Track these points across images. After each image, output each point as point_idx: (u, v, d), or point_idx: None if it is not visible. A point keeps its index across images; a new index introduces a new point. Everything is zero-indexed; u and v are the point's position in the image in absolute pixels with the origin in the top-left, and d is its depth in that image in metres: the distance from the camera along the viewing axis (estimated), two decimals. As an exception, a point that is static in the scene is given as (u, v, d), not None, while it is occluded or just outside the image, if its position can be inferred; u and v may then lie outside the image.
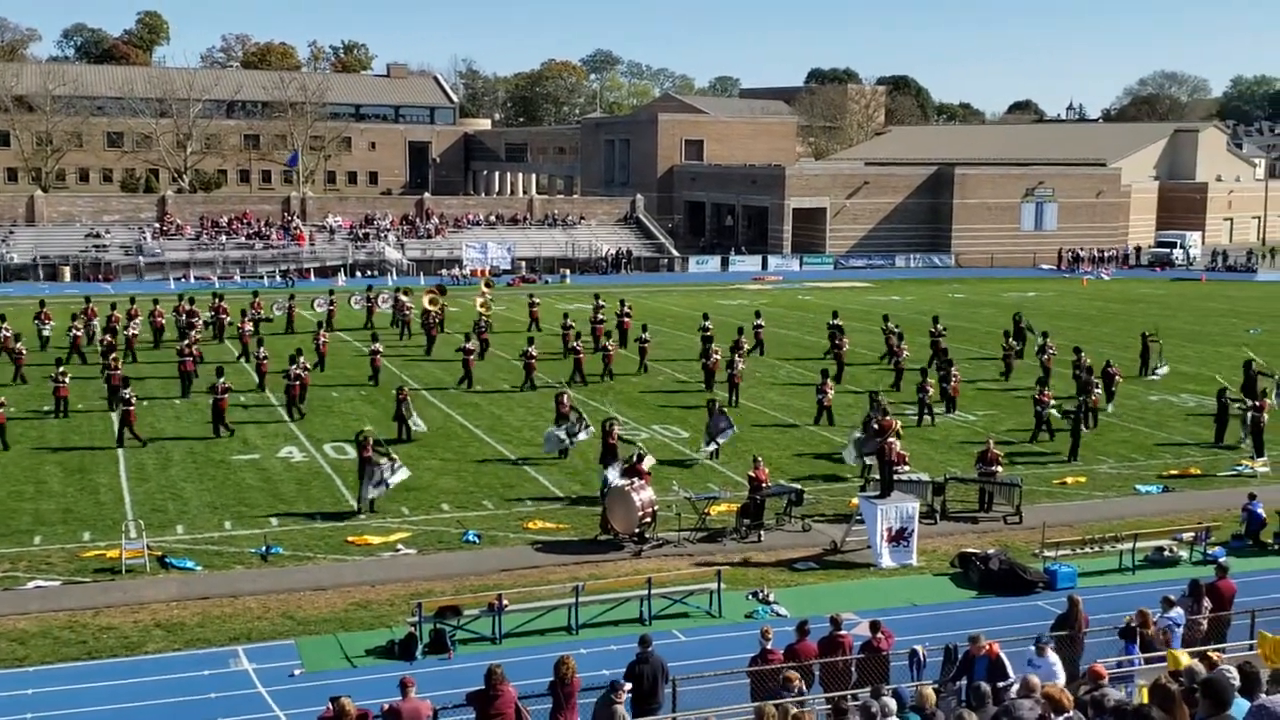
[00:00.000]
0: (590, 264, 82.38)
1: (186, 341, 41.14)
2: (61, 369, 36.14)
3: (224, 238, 78.24)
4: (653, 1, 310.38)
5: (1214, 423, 34.69)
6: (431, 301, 49.89)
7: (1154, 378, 43.09)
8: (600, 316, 48.58)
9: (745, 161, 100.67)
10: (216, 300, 50.36)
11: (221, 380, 33.96)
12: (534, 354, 41.39)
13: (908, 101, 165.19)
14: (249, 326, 46.27)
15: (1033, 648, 15.58)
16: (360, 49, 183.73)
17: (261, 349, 40.08)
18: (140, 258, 74.55)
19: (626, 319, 49.08)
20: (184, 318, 46.66)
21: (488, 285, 59.46)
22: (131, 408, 32.29)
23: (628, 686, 14.37)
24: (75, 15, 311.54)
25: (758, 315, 49.47)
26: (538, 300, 54.64)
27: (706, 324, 45.88)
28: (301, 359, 36.95)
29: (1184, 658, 14.18)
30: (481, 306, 50.03)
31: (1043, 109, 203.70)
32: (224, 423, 33.70)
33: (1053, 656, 15.48)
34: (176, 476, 29.67)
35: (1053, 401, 34.60)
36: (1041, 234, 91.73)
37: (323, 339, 43.18)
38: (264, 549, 24.12)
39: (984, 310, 61.94)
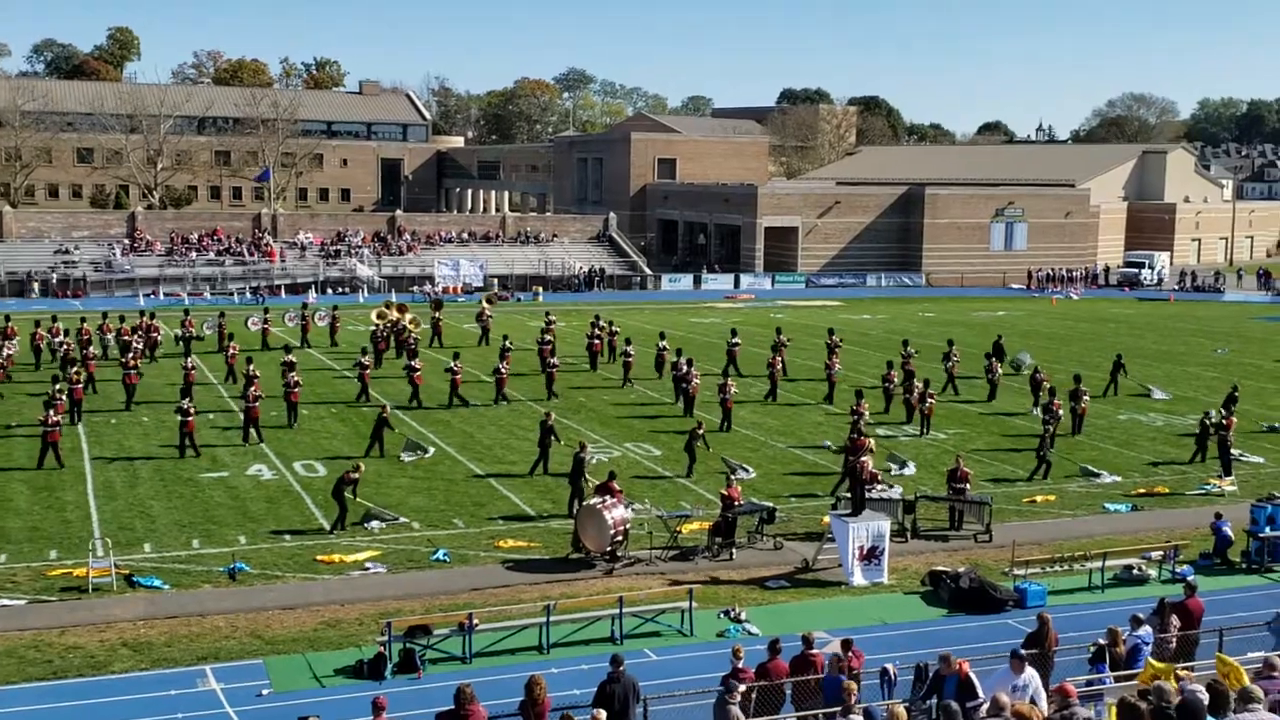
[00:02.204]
0: (563, 282, 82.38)
1: (130, 355, 41.60)
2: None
3: (194, 254, 77.84)
4: (626, 21, 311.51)
5: (1194, 443, 34.86)
6: (380, 316, 49.96)
7: (1154, 394, 43.95)
8: (601, 332, 49.00)
9: (718, 180, 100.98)
10: (147, 318, 49.60)
11: (187, 401, 33.92)
12: (504, 370, 41.47)
13: (879, 122, 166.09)
14: (234, 349, 45.47)
15: (1007, 666, 15.43)
16: (332, 66, 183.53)
17: (251, 366, 39.84)
18: (110, 274, 74.13)
19: (612, 335, 49.22)
20: (136, 333, 46.83)
21: (489, 301, 58.77)
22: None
23: (603, 715, 14.28)
24: (45, 30, 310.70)
25: (733, 334, 49.44)
26: (491, 314, 54.66)
27: (663, 343, 46.28)
28: (294, 375, 37.74)
29: (1159, 666, 14.28)
30: (411, 323, 49.48)
31: (1012, 130, 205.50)
32: (192, 444, 33.43)
33: (1029, 671, 15.38)
34: (144, 494, 29.43)
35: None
36: (1011, 254, 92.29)
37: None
38: (230, 567, 23.95)
39: (955, 330, 62.15)
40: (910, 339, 48.46)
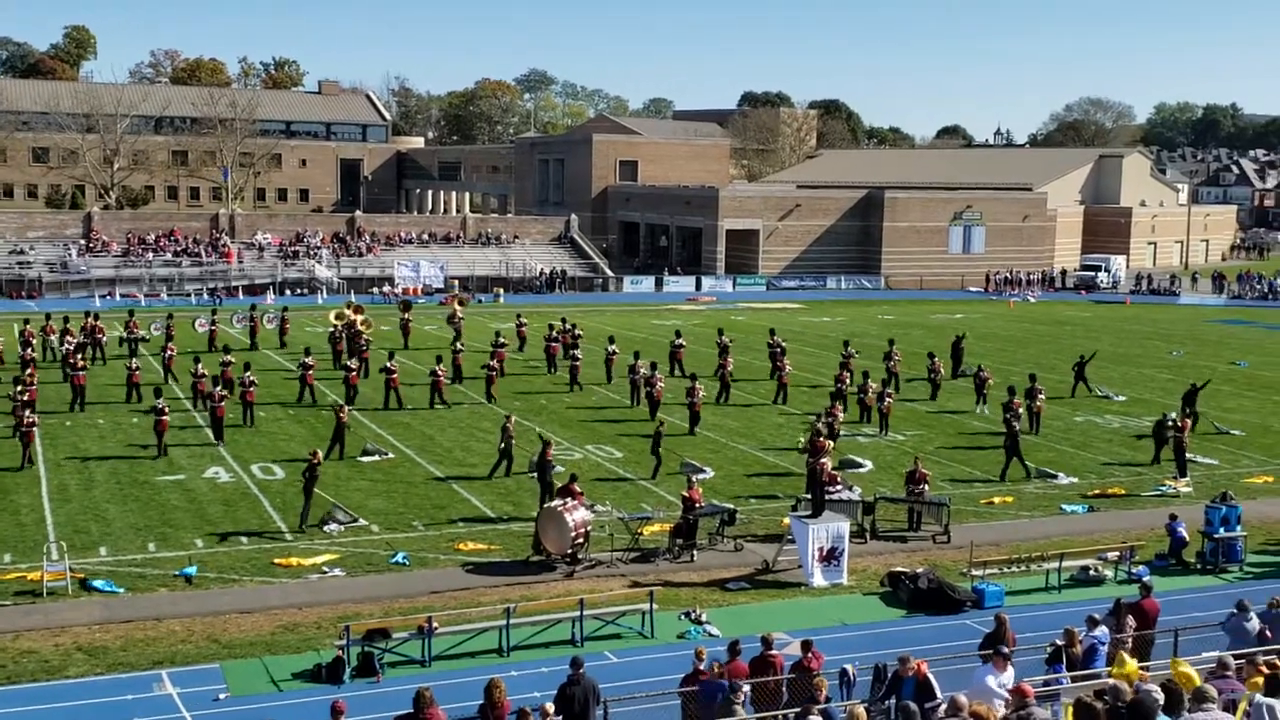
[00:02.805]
0: (524, 283, 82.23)
1: (81, 356, 41.33)
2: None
3: (151, 255, 77.14)
4: (587, 23, 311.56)
5: (1153, 444, 35.15)
6: (339, 317, 49.67)
7: (1114, 397, 44.53)
8: (559, 333, 48.86)
9: (679, 183, 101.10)
10: (91, 319, 49.04)
11: (162, 401, 33.95)
12: (441, 371, 41.44)
13: (839, 125, 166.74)
14: (172, 350, 45.17)
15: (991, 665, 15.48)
16: (291, 66, 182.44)
17: (200, 366, 39.61)
18: (66, 275, 73.34)
19: (566, 335, 48.93)
20: (83, 334, 46.52)
21: (460, 303, 58.19)
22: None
23: (550, 707, 14.29)
24: (0, 29, 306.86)
25: (677, 335, 49.50)
26: (462, 316, 54.34)
27: (612, 347, 46.30)
28: (249, 374, 37.64)
29: (1131, 663, 14.41)
30: (363, 324, 49.18)
31: (971, 134, 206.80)
32: (160, 443, 33.33)
33: (1011, 671, 15.39)
34: (100, 497, 29.13)
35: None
36: (969, 257, 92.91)
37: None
38: (186, 570, 23.74)
39: (914, 332, 62.55)
40: (868, 339, 48.61)
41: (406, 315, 54.64)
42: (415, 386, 42.48)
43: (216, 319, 52.74)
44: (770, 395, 43.28)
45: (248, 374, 37.70)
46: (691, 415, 37.64)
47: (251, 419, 36.97)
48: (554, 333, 49.18)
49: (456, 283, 78.06)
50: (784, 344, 47.17)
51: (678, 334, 49.29)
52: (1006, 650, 15.65)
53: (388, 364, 40.83)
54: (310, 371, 41.36)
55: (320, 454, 28.08)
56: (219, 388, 35.73)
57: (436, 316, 63.18)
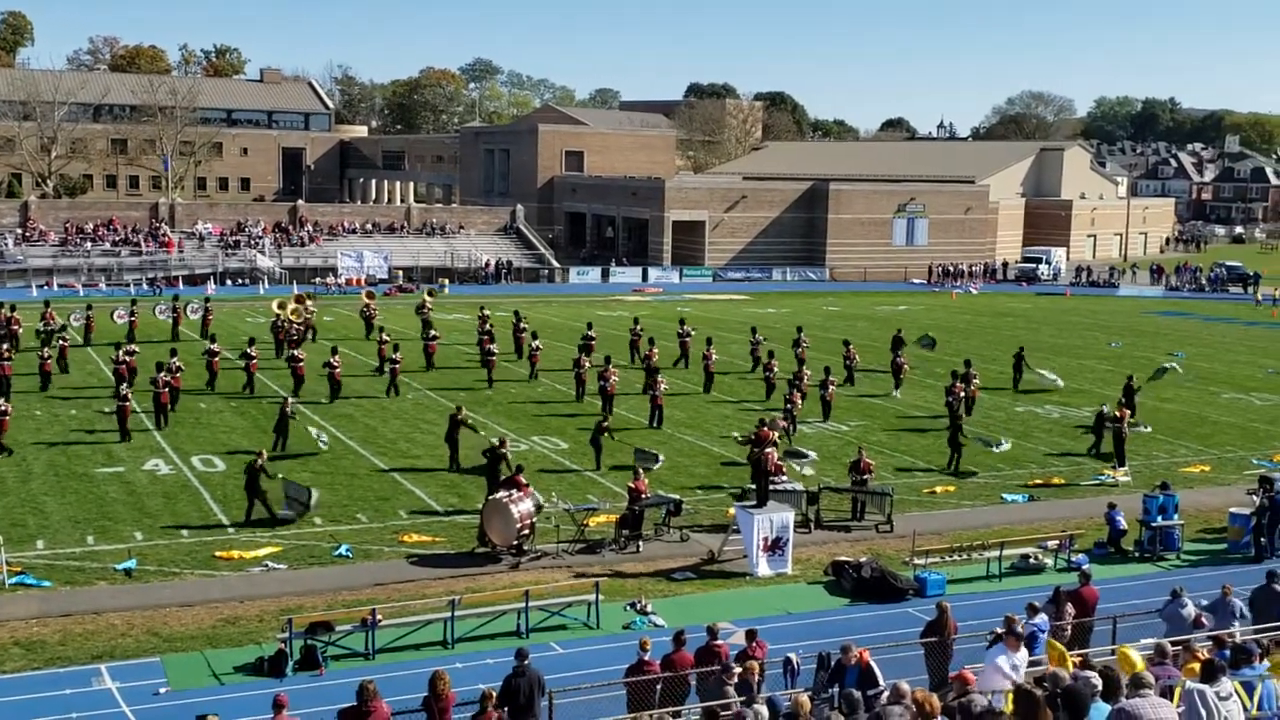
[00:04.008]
0: (470, 274, 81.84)
1: (7, 347, 40.72)
2: None
3: (90, 244, 76.02)
4: (533, 12, 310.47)
5: (1092, 434, 35.58)
6: (281, 306, 49.25)
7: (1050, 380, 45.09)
8: (523, 326, 48.89)
9: (625, 173, 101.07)
10: (7, 310, 47.94)
11: (125, 387, 34.64)
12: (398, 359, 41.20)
13: (784, 117, 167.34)
14: (65, 341, 44.33)
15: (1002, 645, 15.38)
16: (233, 53, 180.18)
17: (121, 351, 39.45)
18: (2, 264, 72.08)
19: (521, 332, 48.73)
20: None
21: (430, 294, 57.39)
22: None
23: (492, 691, 14.32)
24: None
25: (636, 322, 49.76)
26: (431, 306, 53.83)
27: (591, 334, 46.24)
28: (175, 360, 37.47)
29: (1067, 655, 14.58)
30: (292, 313, 48.75)
31: (914, 127, 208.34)
32: (124, 429, 33.88)
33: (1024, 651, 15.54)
34: (37, 490, 28.69)
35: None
36: (913, 249, 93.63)
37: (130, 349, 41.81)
38: (125, 564, 23.44)
39: (859, 324, 62.96)
40: (814, 331, 48.86)
41: (370, 303, 54.59)
42: (359, 378, 42.18)
43: (136, 310, 51.54)
44: (733, 388, 43.45)
45: (174, 360, 37.57)
46: (654, 409, 37.55)
47: (166, 418, 36.00)
48: (520, 322, 49.52)
49: (401, 273, 77.67)
50: (691, 332, 48.00)
51: (636, 321, 49.51)
52: (1020, 630, 15.73)
53: (331, 359, 40.31)
54: (254, 361, 41.02)
55: (265, 454, 27.69)
56: (146, 376, 35.58)
57: (383, 307, 62.71)
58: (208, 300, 55.57)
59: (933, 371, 46.80)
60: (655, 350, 43.55)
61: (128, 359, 39.53)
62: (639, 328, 49.03)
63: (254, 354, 41.34)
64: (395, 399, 40.12)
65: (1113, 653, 15.37)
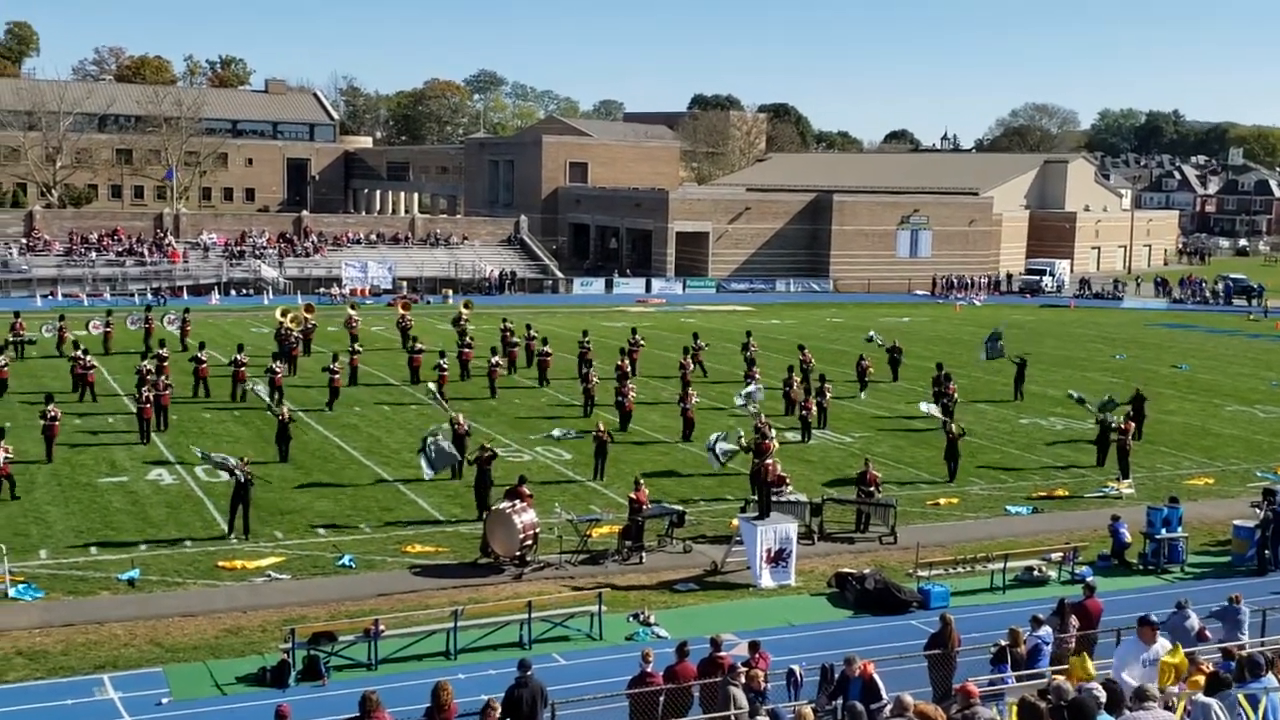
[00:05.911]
0: (474, 285, 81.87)
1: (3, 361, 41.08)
2: None
3: (94, 254, 76.14)
4: (538, 24, 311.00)
5: (1095, 447, 35.51)
6: (285, 316, 49.33)
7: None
8: (515, 338, 48.78)
9: (629, 185, 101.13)
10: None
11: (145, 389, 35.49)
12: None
13: (788, 129, 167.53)
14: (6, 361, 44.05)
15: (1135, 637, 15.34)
16: (238, 64, 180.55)
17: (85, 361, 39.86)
18: (7, 274, 72.22)
19: (531, 341, 48.81)
20: None
21: (466, 305, 56.62)
22: None
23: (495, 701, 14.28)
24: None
25: (634, 332, 49.81)
26: (468, 317, 53.46)
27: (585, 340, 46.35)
28: (164, 377, 37.35)
29: (1090, 664, 14.55)
30: (291, 321, 48.85)
31: (918, 138, 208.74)
32: (145, 431, 34.59)
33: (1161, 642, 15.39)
34: (40, 500, 28.70)
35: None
36: (916, 260, 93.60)
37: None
38: (129, 574, 23.43)
39: (860, 335, 62.80)
40: (817, 342, 48.89)
41: (406, 314, 54.04)
42: (373, 387, 42.20)
43: (111, 320, 51.44)
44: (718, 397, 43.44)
45: (162, 378, 37.39)
46: (621, 414, 37.94)
47: (165, 423, 36.41)
48: (530, 332, 49.63)
49: (405, 284, 77.68)
50: (640, 342, 48.54)
51: (634, 331, 49.58)
52: (1155, 619, 15.58)
53: (331, 365, 40.40)
54: (243, 370, 41.07)
55: (246, 459, 27.55)
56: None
57: (386, 318, 62.82)
58: (186, 311, 55.22)
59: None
60: (689, 361, 44.05)
61: (89, 369, 39.97)
62: (638, 337, 49.10)
63: (243, 360, 41.33)
64: (401, 409, 40.11)
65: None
